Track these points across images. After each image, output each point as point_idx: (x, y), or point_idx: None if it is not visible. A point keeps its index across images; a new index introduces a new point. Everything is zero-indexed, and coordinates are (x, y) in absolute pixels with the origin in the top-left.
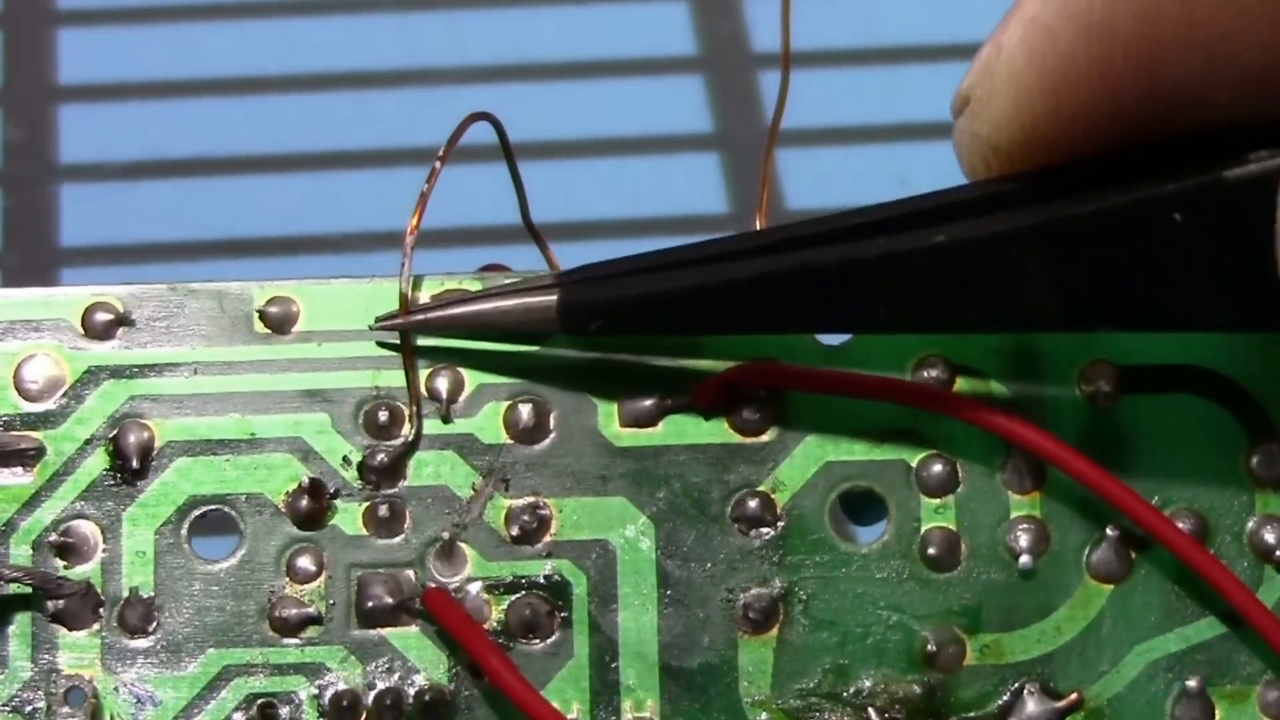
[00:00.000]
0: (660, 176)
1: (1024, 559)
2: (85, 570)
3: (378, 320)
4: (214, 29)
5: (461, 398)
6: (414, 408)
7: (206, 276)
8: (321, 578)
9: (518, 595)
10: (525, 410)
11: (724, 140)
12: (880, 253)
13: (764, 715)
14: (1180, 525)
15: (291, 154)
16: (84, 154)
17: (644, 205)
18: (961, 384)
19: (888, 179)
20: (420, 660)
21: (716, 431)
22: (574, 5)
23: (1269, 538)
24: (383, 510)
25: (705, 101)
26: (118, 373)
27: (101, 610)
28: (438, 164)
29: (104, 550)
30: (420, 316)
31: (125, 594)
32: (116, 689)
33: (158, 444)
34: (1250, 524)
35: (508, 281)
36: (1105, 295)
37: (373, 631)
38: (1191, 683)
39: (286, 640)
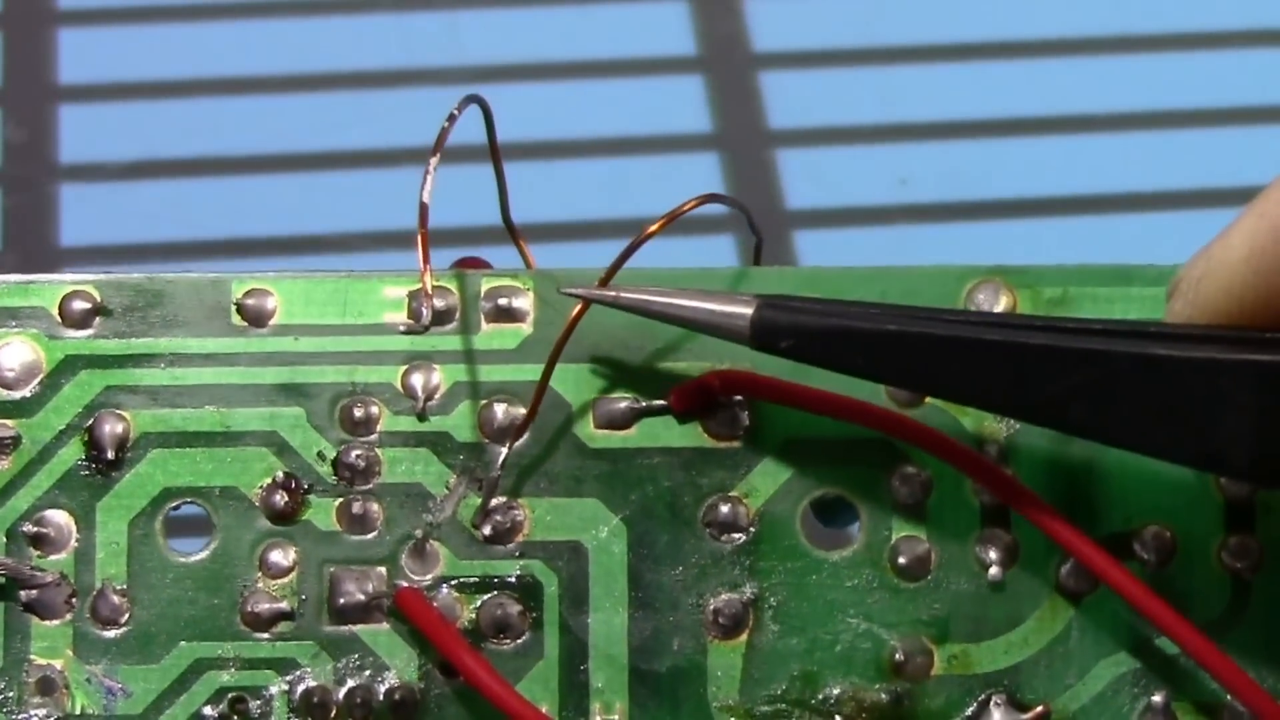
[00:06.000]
0: (660, 176)
1: (993, 570)
2: (58, 560)
3: (562, 289)
4: (214, 29)
5: (437, 395)
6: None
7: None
8: (294, 573)
9: (489, 595)
10: (500, 410)
11: (724, 140)
12: (1086, 347)
13: None
14: (1147, 545)
15: (291, 154)
16: (84, 154)
17: (644, 205)
18: (931, 402)
19: (888, 179)
20: (391, 658)
21: (690, 435)
22: (574, 5)
23: (1237, 555)
24: (356, 507)
25: (705, 101)
26: (94, 362)
27: (74, 600)
28: (432, 159)
29: (77, 540)
30: (612, 293)
31: (98, 585)
32: (88, 679)
33: (133, 435)
34: (1219, 541)
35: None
36: None
37: (344, 628)
38: (1157, 698)
39: (258, 635)
